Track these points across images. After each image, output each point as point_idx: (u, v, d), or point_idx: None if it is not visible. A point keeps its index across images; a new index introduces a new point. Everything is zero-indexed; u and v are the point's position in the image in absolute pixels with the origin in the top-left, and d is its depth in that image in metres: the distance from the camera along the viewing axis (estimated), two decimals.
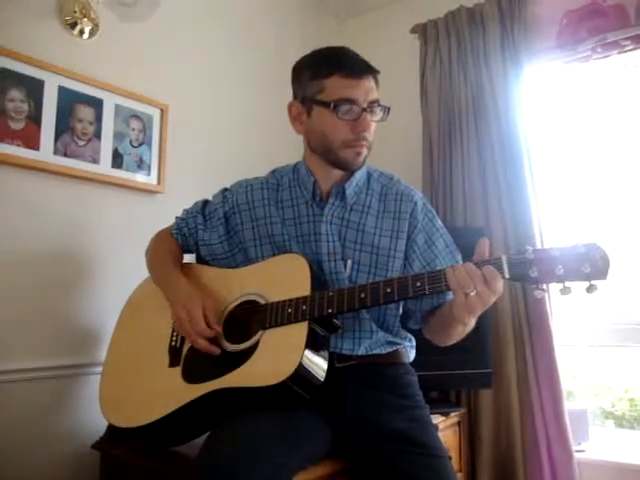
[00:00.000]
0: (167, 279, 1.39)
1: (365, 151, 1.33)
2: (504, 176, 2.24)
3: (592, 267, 1.01)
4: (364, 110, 1.29)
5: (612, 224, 2.23)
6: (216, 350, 1.24)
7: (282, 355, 1.16)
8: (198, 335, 1.24)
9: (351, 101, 1.28)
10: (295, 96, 1.40)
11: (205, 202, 1.54)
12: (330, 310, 1.19)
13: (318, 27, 2.75)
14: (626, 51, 2.13)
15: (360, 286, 1.20)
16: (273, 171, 1.52)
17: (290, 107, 1.40)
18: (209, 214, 1.49)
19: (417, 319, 1.39)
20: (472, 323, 1.21)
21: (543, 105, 2.38)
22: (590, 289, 1.02)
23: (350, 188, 1.39)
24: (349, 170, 1.37)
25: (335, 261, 1.34)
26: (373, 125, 1.33)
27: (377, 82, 1.34)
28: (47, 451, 1.62)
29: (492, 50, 2.31)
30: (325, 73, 1.29)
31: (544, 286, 1.08)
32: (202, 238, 1.47)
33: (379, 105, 1.32)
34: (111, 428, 1.44)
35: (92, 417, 1.61)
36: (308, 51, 1.39)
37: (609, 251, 1.03)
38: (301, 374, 1.13)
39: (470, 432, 2.17)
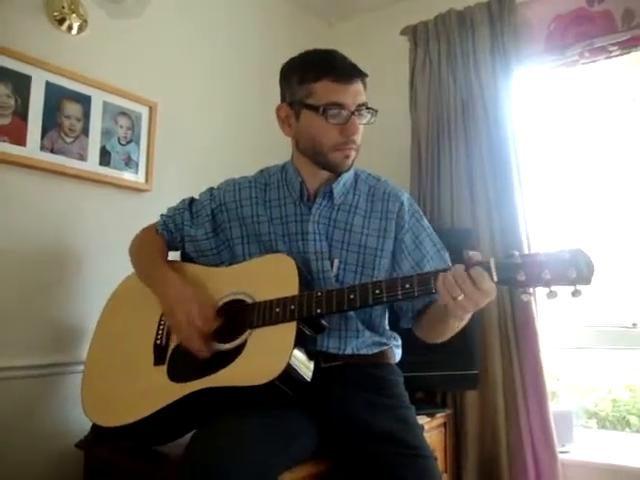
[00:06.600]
0: (156, 275, 1.37)
1: (353, 154, 1.35)
2: (492, 178, 2.25)
3: (577, 272, 1.03)
4: (352, 114, 1.30)
5: (598, 227, 2.25)
6: (206, 353, 1.23)
7: (270, 355, 1.16)
8: (195, 333, 1.23)
9: (340, 105, 1.28)
10: (283, 98, 1.39)
11: (192, 200, 1.54)
12: (319, 310, 1.19)
13: (307, 30, 2.75)
14: (613, 56, 2.15)
15: (349, 287, 1.20)
16: (261, 170, 1.52)
17: (278, 110, 1.39)
18: (196, 211, 1.49)
19: (409, 318, 1.40)
20: (467, 317, 1.21)
21: (531, 108, 2.39)
22: (575, 293, 1.05)
23: (337, 188, 1.40)
24: (338, 172, 1.37)
25: (322, 260, 1.34)
26: (361, 128, 1.34)
27: (365, 85, 1.34)
28: (30, 450, 1.61)
29: (481, 53, 2.32)
30: (313, 77, 1.30)
31: (531, 290, 1.10)
32: (189, 234, 1.47)
33: (367, 108, 1.33)
34: (95, 427, 1.42)
35: (76, 416, 1.58)
36: (297, 53, 1.39)
37: (593, 257, 1.05)
38: (289, 374, 1.13)
39: (456, 433, 2.18)
